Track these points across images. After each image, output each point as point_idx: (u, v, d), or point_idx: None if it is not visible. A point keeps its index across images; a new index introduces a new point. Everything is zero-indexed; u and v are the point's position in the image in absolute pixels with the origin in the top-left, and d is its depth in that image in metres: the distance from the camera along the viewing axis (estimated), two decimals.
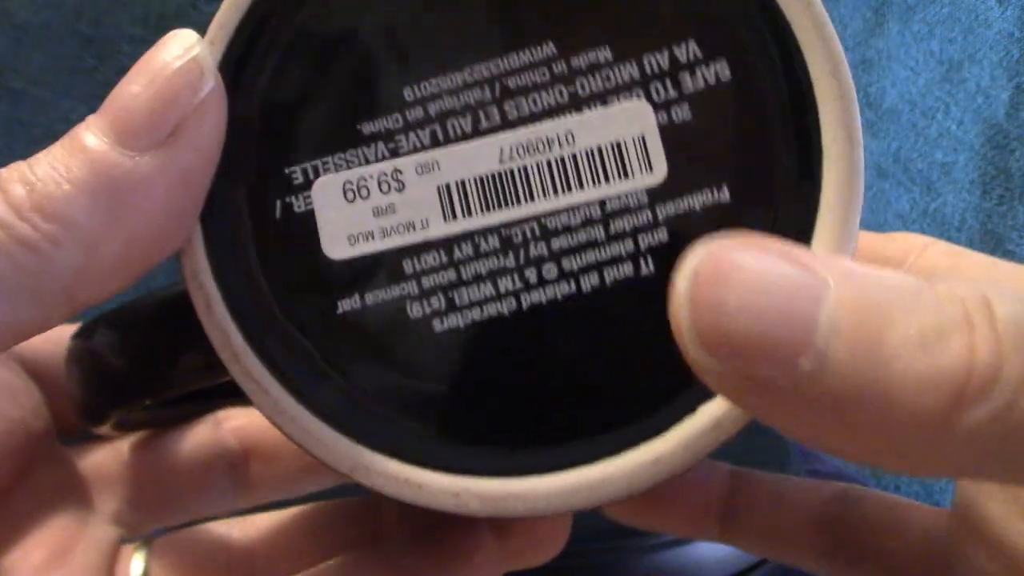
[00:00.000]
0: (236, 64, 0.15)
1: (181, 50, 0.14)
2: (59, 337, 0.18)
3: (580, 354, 0.14)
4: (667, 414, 0.14)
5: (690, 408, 0.14)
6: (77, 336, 0.18)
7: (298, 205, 0.15)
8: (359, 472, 0.14)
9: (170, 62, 0.14)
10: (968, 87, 0.52)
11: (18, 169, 0.14)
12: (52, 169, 0.14)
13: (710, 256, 0.12)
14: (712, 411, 0.14)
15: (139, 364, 0.17)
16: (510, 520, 0.17)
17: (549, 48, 0.14)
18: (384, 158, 0.15)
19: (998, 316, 0.12)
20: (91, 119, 0.14)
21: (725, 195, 0.14)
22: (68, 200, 0.13)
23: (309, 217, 0.15)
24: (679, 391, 0.14)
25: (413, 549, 0.17)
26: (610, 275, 0.14)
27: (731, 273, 0.12)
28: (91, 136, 0.14)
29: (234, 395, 0.18)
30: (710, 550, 0.29)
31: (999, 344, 0.11)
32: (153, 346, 0.17)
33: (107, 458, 0.20)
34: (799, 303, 0.12)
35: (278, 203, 0.15)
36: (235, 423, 0.21)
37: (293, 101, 0.15)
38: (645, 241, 0.14)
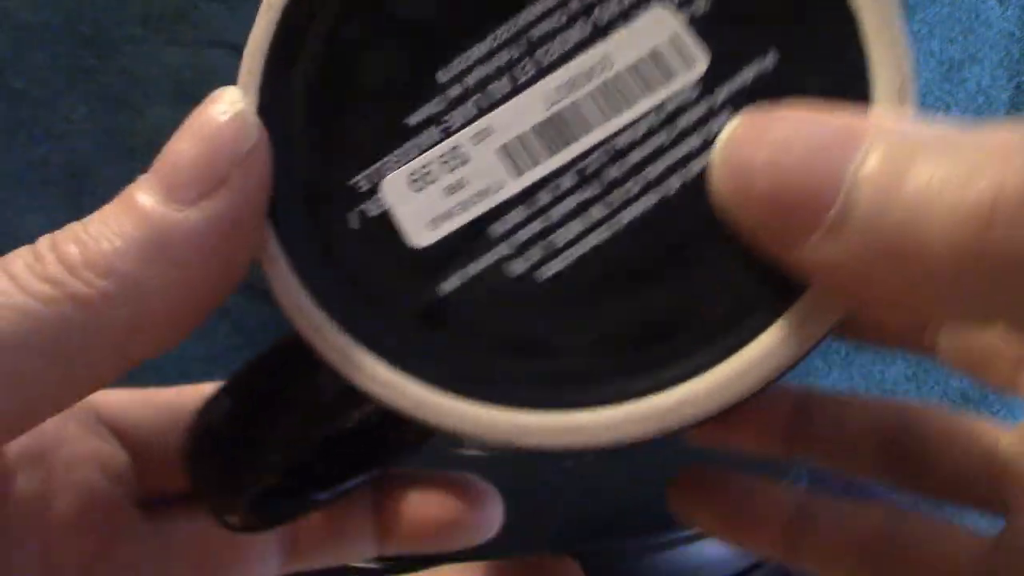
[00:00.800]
0: (271, 103, 0.15)
1: (225, 106, 0.15)
2: (148, 400, 0.19)
3: (681, 260, 0.14)
4: (768, 306, 0.14)
5: (790, 296, 0.14)
6: (193, 423, 0.17)
7: (372, 211, 0.15)
8: (515, 434, 0.14)
9: (214, 118, 0.15)
10: (968, 87, 0.52)
11: (71, 229, 0.14)
12: (104, 226, 0.14)
13: (745, 120, 0.13)
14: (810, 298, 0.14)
15: (250, 427, 0.17)
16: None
17: None
18: (439, 141, 0.15)
19: None
20: (141, 179, 0.15)
21: (772, 59, 0.14)
22: (120, 255, 0.14)
23: (385, 218, 0.15)
24: (777, 284, 0.14)
25: None
26: (690, 172, 0.14)
27: (763, 134, 0.13)
28: (140, 194, 0.14)
29: (373, 461, 0.17)
30: (711, 550, 0.29)
31: None
32: (263, 406, 0.17)
33: (186, 532, 0.19)
34: (829, 155, 0.12)
35: (351, 215, 0.15)
36: None
37: (336, 116, 0.15)
38: (712, 129, 0.14)
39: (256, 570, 0.20)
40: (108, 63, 0.43)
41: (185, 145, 0.14)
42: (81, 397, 0.15)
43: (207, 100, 0.15)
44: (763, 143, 0.13)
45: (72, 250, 0.14)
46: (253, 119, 0.15)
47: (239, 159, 0.14)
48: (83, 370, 0.14)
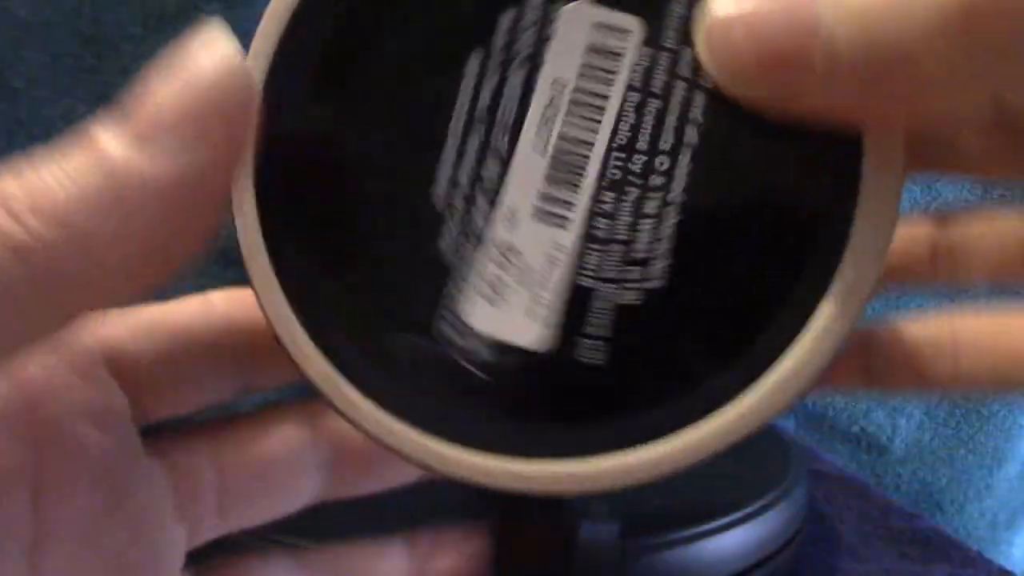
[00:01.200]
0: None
1: (217, 57, 0.13)
2: (151, 332, 0.17)
3: (747, 190, 0.15)
4: (844, 187, 0.14)
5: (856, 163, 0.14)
6: None
7: (482, 352, 0.15)
8: (623, 474, 0.15)
9: (204, 67, 0.13)
10: None
11: (19, 170, 0.13)
12: (58, 169, 0.13)
13: (712, 13, 0.14)
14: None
15: None
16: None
17: (475, 60, 0.15)
18: (478, 250, 0.15)
19: None
20: (108, 118, 0.13)
21: None
22: (72, 203, 0.13)
23: (500, 344, 0.15)
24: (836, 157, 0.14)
25: None
26: (696, 115, 0.15)
27: (733, 15, 0.13)
28: (106, 136, 0.13)
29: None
30: (711, 551, 0.29)
31: None
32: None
33: (198, 462, 0.18)
34: (800, 7, 0.13)
35: (467, 365, 0.15)
36: (330, 424, 0.19)
37: (379, 280, 0.15)
38: (684, 70, 0.15)
39: (290, 500, 0.19)
40: (108, 63, 0.43)
41: (166, 89, 0.13)
42: (12, 355, 0.14)
43: (194, 44, 0.14)
44: (736, 22, 0.13)
45: (16, 193, 0.12)
46: (249, 72, 0.14)
47: (220, 117, 0.13)
48: (15, 327, 0.13)
